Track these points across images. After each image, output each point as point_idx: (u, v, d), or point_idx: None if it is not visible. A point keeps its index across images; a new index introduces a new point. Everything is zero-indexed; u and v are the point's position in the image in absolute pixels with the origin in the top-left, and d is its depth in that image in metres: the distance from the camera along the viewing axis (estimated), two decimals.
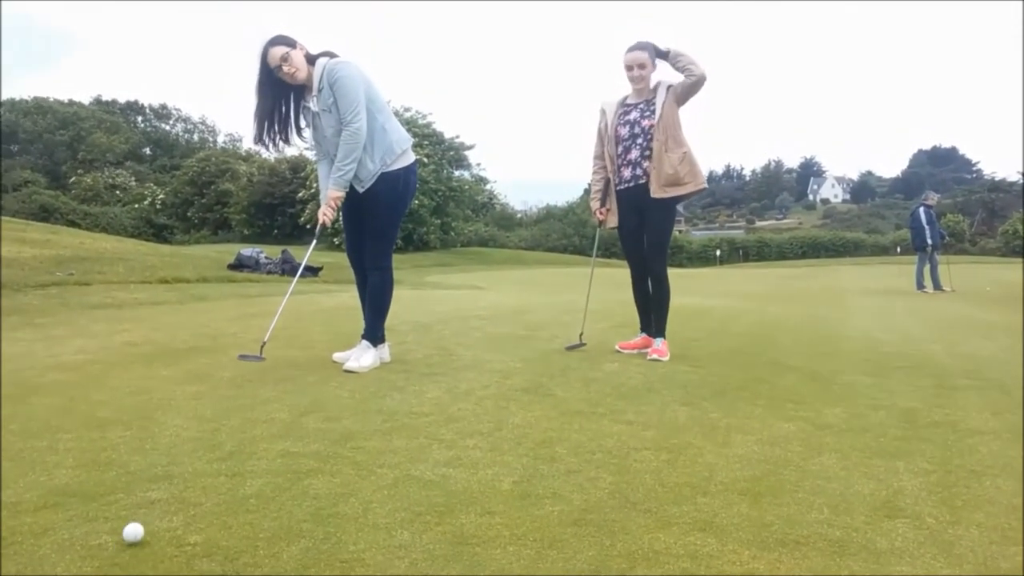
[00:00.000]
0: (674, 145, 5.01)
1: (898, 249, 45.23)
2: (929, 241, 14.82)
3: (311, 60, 4.38)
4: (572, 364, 4.82)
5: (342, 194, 4.45)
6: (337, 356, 4.73)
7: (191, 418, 3.41)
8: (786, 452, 3.02)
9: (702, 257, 47.66)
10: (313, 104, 4.40)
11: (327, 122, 4.39)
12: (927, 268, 14.99)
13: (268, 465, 2.78)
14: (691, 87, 4.98)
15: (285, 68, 4.31)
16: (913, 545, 2.16)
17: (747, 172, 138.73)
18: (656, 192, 5.04)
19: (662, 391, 4.10)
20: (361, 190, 4.49)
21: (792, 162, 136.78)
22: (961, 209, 59.07)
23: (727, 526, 2.28)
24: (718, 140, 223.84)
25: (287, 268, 13.78)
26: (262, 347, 4.46)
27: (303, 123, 4.55)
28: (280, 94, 4.44)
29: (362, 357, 4.56)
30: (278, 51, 4.30)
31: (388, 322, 4.81)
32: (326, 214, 4.48)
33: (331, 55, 4.41)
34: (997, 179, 72.34)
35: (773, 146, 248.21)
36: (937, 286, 14.74)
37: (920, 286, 14.81)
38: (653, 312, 5.27)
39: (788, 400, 3.91)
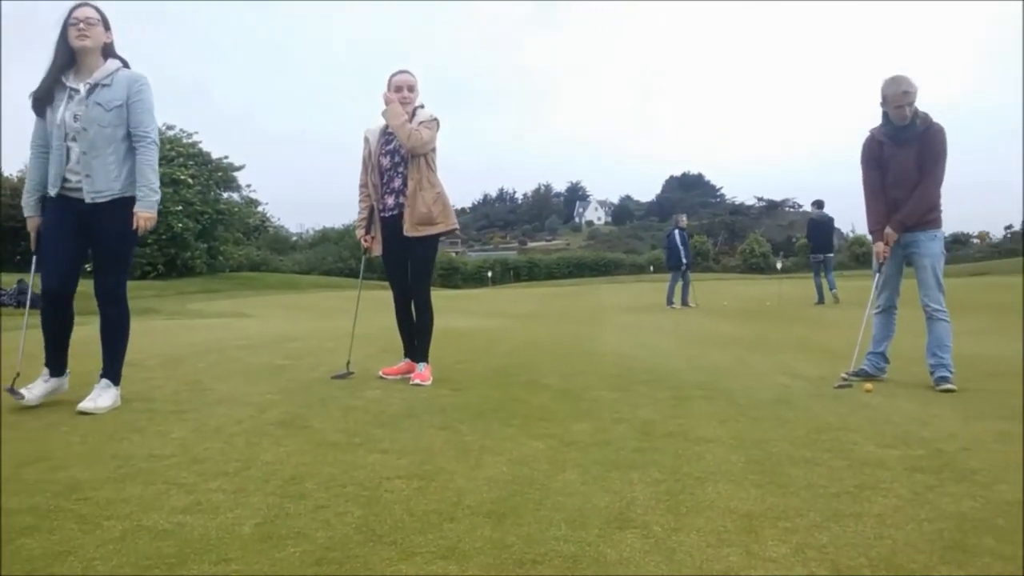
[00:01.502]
0: (428, 185, 5.09)
1: (651, 268, 48.73)
2: (684, 260, 16.07)
3: (107, 52, 4.18)
4: (333, 393, 4.73)
5: (154, 215, 4.16)
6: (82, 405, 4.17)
7: None
8: (533, 471, 3.12)
9: (476, 278, 48.70)
10: (81, 87, 4.09)
11: (93, 115, 4.08)
12: (679, 286, 16.24)
13: None
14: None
15: (83, 27, 4.07)
16: (639, 554, 2.30)
17: (519, 195, 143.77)
18: (409, 230, 5.08)
19: (421, 416, 4.12)
20: (92, 200, 4.11)
21: (560, 186, 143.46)
22: (707, 231, 64.63)
23: (469, 551, 2.32)
24: (492, 164, 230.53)
25: (23, 299, 12.49)
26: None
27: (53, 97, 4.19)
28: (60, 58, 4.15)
29: (99, 397, 4.20)
30: (88, 10, 4.13)
31: (132, 356, 4.48)
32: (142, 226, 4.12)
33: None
34: (737, 203, 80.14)
35: (543, 171, 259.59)
36: (685, 302, 16.01)
37: (670, 302, 16.01)
38: (417, 338, 5.28)
39: (540, 418, 4.06)
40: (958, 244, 54.92)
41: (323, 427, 3.86)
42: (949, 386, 4.98)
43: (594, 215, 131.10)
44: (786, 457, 3.34)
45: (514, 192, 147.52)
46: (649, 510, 2.66)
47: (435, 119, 5.14)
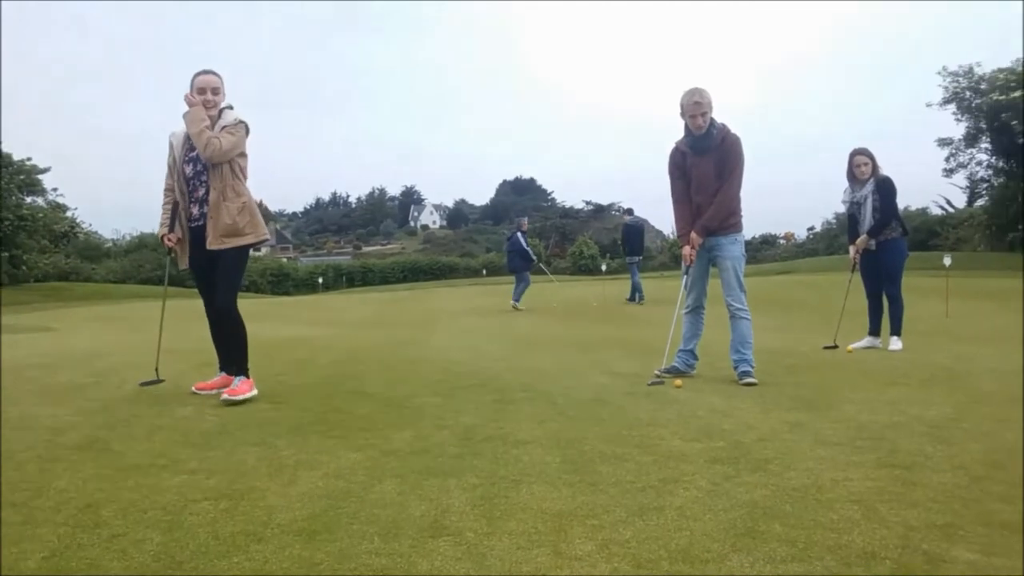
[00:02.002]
0: (233, 195, 4.81)
1: (484, 271, 49.30)
2: (534, 259, 16.54)
3: None
4: (139, 412, 4.46)
5: None
6: None
7: None
8: (350, 483, 3.07)
9: (308, 284, 47.44)
10: None
11: None
12: (524, 285, 16.52)
13: None
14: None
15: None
16: (451, 562, 2.31)
17: (353, 199, 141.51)
18: (213, 243, 4.79)
19: (235, 433, 3.96)
20: None
21: (395, 190, 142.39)
22: (539, 233, 66.06)
23: (276, 572, 2.24)
24: (324, 168, 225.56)
25: None
26: None
27: None
28: None
29: None
30: None
31: None
32: None
33: None
34: (567, 207, 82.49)
35: (377, 175, 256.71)
36: (515, 303, 16.27)
37: (516, 300, 16.12)
38: (231, 350, 5.05)
39: (362, 429, 4.00)
40: (767, 244, 58.94)
41: (125, 449, 3.63)
42: (751, 380, 5.32)
43: (429, 219, 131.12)
44: (598, 455, 3.46)
45: (348, 196, 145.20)
46: (464, 516, 2.68)
47: (241, 123, 4.85)
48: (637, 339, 8.82)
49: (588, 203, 78.00)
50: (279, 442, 3.75)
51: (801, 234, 58.58)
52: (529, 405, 4.64)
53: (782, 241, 60.59)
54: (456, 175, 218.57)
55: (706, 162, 5.49)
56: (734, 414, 4.35)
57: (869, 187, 7.40)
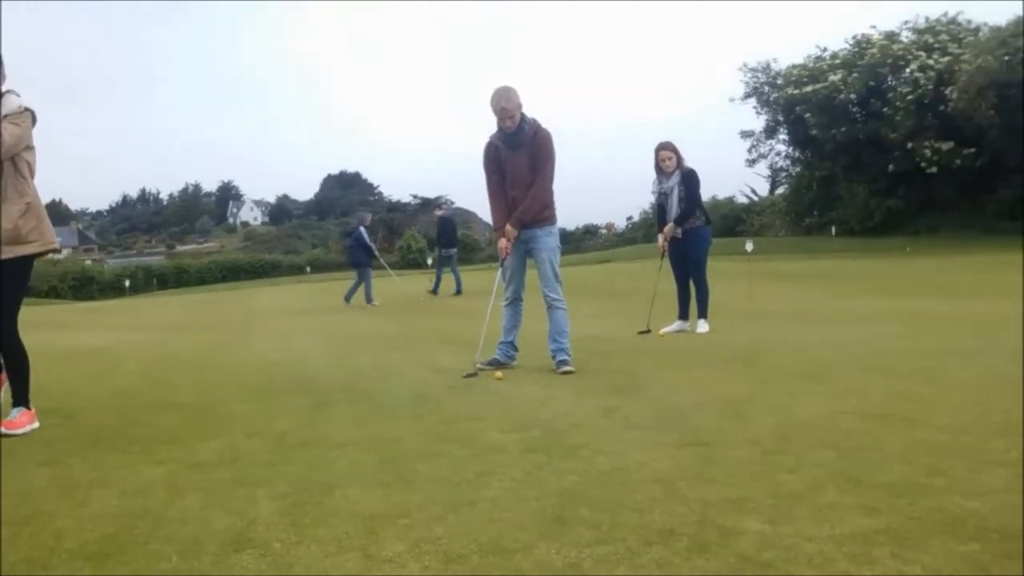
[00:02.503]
0: (14, 196, 4.11)
1: (308, 268, 48.09)
2: (376, 254, 16.31)
3: None
4: None
5: None
6: None
7: None
8: (148, 500, 2.88)
9: (116, 287, 44.40)
10: None
11: None
12: (361, 283, 16.18)
13: None
14: None
15: None
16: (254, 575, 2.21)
17: (164, 196, 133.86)
18: None
19: (22, 453, 3.63)
20: None
21: (211, 186, 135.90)
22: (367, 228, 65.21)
23: None
24: (132, 162, 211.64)
25: None
26: None
27: None
28: None
29: None
30: None
31: None
32: None
33: None
34: (394, 200, 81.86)
35: (192, 170, 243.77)
36: (347, 299, 15.96)
37: (370, 300, 15.65)
38: (12, 378, 4.30)
39: (166, 441, 3.78)
40: (588, 234, 61.04)
41: None
42: (568, 368, 5.48)
43: (250, 215, 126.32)
44: (416, 452, 3.44)
45: (158, 192, 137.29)
46: (271, 526, 2.58)
47: (26, 111, 4.17)
48: (459, 332, 8.86)
49: (415, 197, 77.72)
50: (71, 460, 3.47)
51: (621, 224, 61.08)
52: (348, 406, 4.55)
53: (603, 231, 62.94)
54: (279, 169, 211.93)
55: (520, 156, 5.59)
56: (551, 403, 4.45)
57: (675, 178, 7.74)
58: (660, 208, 8.05)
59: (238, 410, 4.50)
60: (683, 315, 8.07)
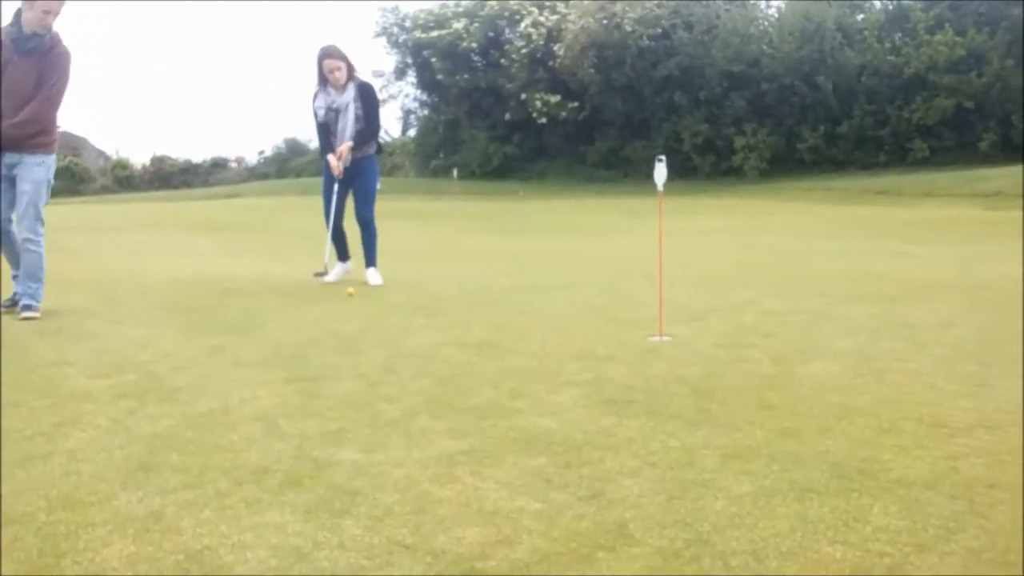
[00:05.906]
0: None
1: None
2: None
3: None
4: None
5: None
6: None
7: None
8: None
9: None
10: None
11: None
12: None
13: None
14: None
15: None
16: None
17: None
18: None
19: None
20: None
21: None
22: None
23: None
24: None
25: None
26: None
27: None
28: None
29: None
30: None
31: None
32: None
33: None
34: None
35: None
36: None
37: None
38: None
39: None
40: (218, 167, 57.70)
41: None
42: (32, 315, 4.85)
43: None
44: None
45: None
46: None
47: None
48: None
49: None
50: None
51: (252, 158, 58.60)
52: None
53: (233, 165, 59.92)
54: None
55: (28, 64, 4.82)
56: (153, 344, 4.16)
57: (351, 94, 6.49)
58: (325, 128, 6.61)
59: None
60: (345, 255, 6.90)
